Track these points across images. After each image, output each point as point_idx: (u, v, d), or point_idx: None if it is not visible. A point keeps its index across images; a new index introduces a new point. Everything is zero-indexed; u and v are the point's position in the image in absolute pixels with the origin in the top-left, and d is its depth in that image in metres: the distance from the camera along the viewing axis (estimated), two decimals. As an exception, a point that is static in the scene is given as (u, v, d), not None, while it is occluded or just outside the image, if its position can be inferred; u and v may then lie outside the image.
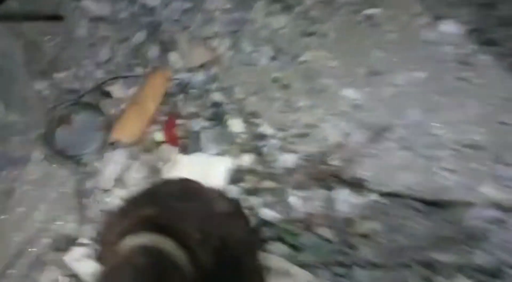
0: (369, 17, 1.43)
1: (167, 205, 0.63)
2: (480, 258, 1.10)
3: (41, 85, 1.41)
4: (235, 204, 0.72)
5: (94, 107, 1.37)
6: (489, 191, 1.18)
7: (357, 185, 1.21)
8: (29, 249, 1.22)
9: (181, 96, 1.37)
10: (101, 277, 0.55)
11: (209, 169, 1.25)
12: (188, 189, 0.70)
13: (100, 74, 1.42)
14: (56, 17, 1.44)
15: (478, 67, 1.32)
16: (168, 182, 0.74)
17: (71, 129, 1.35)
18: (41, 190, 1.30)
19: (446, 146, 1.24)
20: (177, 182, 0.72)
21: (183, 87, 1.38)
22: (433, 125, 1.27)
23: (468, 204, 1.18)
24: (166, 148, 1.31)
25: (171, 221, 0.60)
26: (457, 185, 1.20)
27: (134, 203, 0.66)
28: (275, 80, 1.37)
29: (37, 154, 1.33)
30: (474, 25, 1.38)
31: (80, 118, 1.36)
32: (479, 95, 1.29)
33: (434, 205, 1.19)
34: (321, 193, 1.21)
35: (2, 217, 1.27)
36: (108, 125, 1.34)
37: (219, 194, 0.71)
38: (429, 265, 1.12)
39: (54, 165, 1.32)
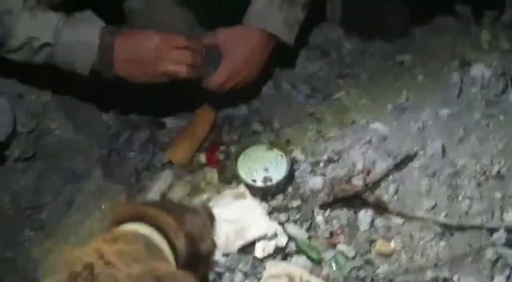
0: (400, 63, 1.57)
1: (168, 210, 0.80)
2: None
3: (105, 116, 1.62)
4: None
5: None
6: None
7: (380, 207, 1.27)
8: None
9: (225, 126, 1.54)
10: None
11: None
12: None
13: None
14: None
15: (505, 105, 1.40)
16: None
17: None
18: (96, 201, 1.47)
19: (469, 175, 1.29)
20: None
21: (228, 119, 1.55)
22: (457, 157, 1.33)
23: (491, 230, 1.20)
24: (207, 169, 1.47)
25: (162, 218, 0.78)
26: (480, 212, 1.23)
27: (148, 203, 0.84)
28: (310, 114, 1.50)
29: (98, 170, 1.52)
30: (503, 69, 1.47)
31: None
32: (504, 130, 1.35)
33: (456, 229, 1.22)
34: (345, 213, 1.29)
35: (62, 222, 1.44)
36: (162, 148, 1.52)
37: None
38: (448, 286, 1.13)
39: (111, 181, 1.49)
